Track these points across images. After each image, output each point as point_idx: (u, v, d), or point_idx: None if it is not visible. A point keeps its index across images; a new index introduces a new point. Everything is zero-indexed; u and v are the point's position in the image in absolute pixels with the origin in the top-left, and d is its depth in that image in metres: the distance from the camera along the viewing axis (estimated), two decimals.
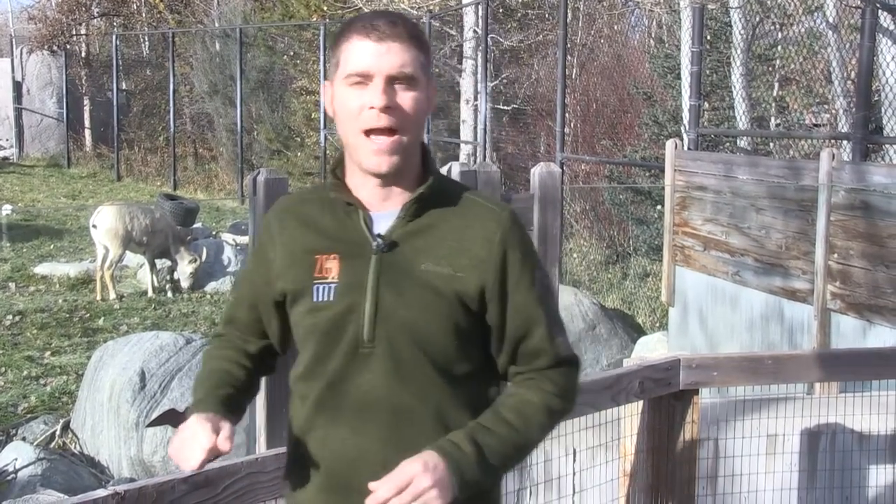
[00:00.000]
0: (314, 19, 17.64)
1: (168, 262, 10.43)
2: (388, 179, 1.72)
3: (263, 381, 3.75)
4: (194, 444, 1.62)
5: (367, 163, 1.69)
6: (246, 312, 1.87)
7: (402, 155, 1.69)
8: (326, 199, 1.78)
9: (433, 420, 1.71)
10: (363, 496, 1.60)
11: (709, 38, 10.08)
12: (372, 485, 1.58)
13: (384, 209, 1.74)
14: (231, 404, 1.76)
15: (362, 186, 1.74)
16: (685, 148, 7.73)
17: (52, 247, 12.25)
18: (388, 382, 1.70)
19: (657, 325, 9.23)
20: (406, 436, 1.69)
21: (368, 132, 1.68)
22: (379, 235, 1.72)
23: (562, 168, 9.61)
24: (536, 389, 1.75)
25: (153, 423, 4.70)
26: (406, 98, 1.67)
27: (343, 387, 1.72)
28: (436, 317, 1.71)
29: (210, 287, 10.32)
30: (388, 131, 1.67)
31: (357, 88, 1.67)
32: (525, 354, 1.76)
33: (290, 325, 1.81)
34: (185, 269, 10.13)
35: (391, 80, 1.65)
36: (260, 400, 3.65)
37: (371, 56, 1.65)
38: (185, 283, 10.18)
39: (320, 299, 1.72)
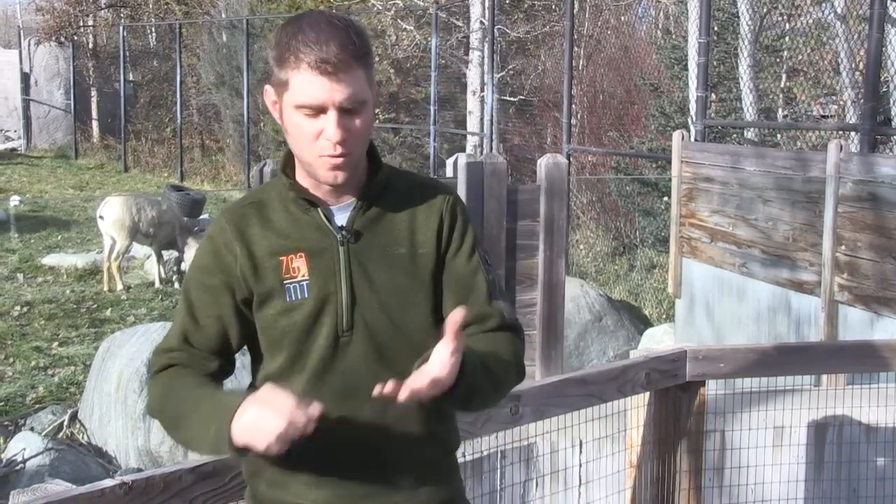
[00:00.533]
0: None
1: (175, 253, 10.45)
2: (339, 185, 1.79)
3: None
4: (272, 412, 1.57)
5: (323, 177, 1.75)
6: (207, 325, 1.81)
7: (354, 168, 1.76)
8: (278, 200, 1.81)
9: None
10: (358, 479, 1.75)
11: (716, 28, 10.05)
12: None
13: (339, 202, 1.80)
14: None
15: (316, 186, 1.79)
16: (692, 139, 7.71)
17: (59, 238, 12.28)
18: (369, 365, 1.77)
19: (664, 316, 9.22)
20: (390, 415, 1.76)
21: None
22: (342, 227, 1.78)
23: (568, 159, 9.60)
24: (501, 338, 1.82)
25: None
26: (357, 123, 1.72)
27: (326, 377, 1.77)
28: (408, 295, 1.79)
29: None
30: (343, 154, 1.72)
31: (310, 118, 1.70)
32: (472, 320, 1.81)
33: (258, 329, 1.81)
34: (190, 257, 10.17)
35: (343, 110, 1.69)
36: None
37: (324, 92, 1.67)
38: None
39: (294, 298, 1.76)
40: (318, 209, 1.78)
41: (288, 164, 1.82)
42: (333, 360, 1.76)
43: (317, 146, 1.71)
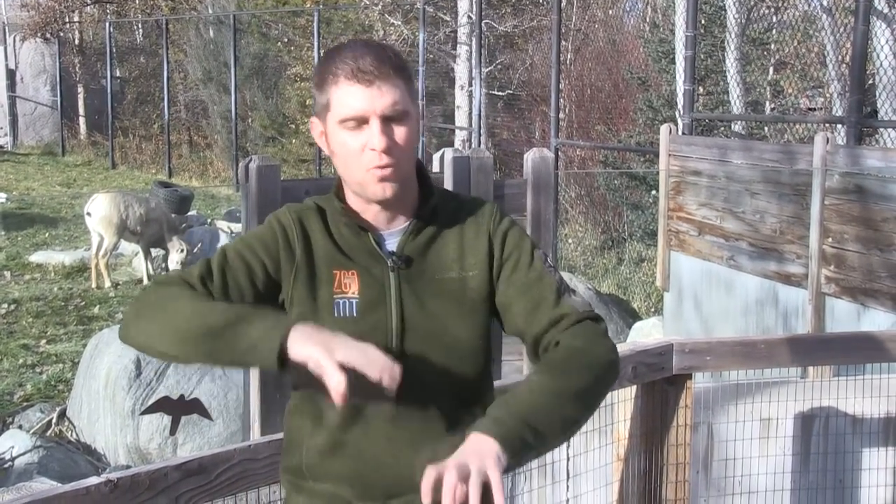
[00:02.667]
0: (308, 5, 17.58)
1: (163, 251, 10.43)
2: (389, 203, 1.77)
3: (257, 368, 3.76)
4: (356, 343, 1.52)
5: (372, 191, 1.73)
6: (228, 286, 1.74)
7: (401, 181, 1.74)
8: (332, 218, 1.80)
9: (456, 418, 1.76)
10: (400, 500, 1.72)
11: (703, 22, 10.06)
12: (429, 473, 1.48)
13: (389, 228, 1.79)
14: None
15: (366, 210, 1.79)
16: (680, 133, 7.73)
17: (47, 235, 12.23)
18: (417, 390, 1.73)
19: (652, 310, 9.24)
20: (436, 438, 1.73)
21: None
22: (392, 253, 1.77)
23: (556, 154, 9.61)
24: (570, 340, 1.71)
25: (148, 411, 4.69)
26: (401, 133, 1.71)
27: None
28: (459, 321, 1.76)
29: None
30: (389, 165, 1.72)
31: (354, 131, 1.71)
32: (547, 323, 1.75)
33: None
34: (174, 258, 10.12)
35: (386, 119, 1.70)
36: (254, 387, 3.66)
37: (364, 100, 1.68)
38: (174, 256, 10.18)
39: (341, 314, 1.74)
40: (369, 234, 1.77)
41: (340, 188, 1.81)
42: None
43: (363, 160, 1.71)
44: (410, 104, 1.73)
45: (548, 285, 1.77)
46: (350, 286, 1.75)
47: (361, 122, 1.69)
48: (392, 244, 1.78)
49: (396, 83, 1.70)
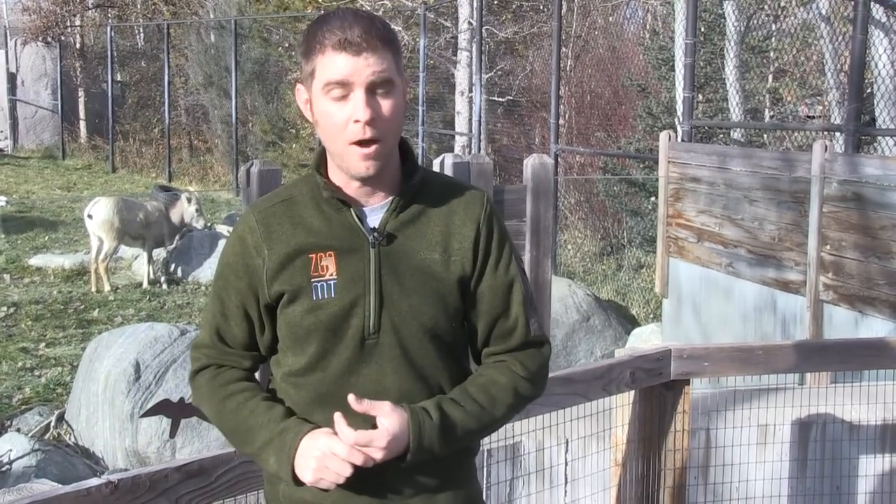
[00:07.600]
0: (309, 10, 17.60)
1: (164, 254, 10.44)
2: (371, 180, 1.77)
3: None
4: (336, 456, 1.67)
5: (354, 169, 1.74)
6: (237, 325, 1.83)
7: (385, 159, 1.75)
8: (310, 197, 1.80)
9: (430, 396, 1.78)
10: (377, 481, 1.74)
11: (703, 29, 10.09)
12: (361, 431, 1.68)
13: (370, 204, 1.79)
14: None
15: (347, 184, 1.78)
16: (679, 140, 7.74)
17: (46, 238, 12.24)
18: (395, 369, 1.76)
19: (651, 316, 9.25)
20: None
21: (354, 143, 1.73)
22: (374, 229, 1.77)
23: (556, 160, 9.63)
24: (505, 370, 1.83)
25: (147, 414, 4.70)
26: (386, 105, 1.71)
27: (351, 379, 1.76)
28: (438, 301, 1.78)
29: (204, 277, 10.33)
30: (373, 140, 1.71)
31: (338, 102, 1.71)
32: (499, 335, 1.84)
33: (282, 326, 1.80)
34: (190, 211, 10.24)
35: (371, 89, 1.70)
36: None
37: (349, 68, 1.68)
38: (198, 224, 10.36)
39: (320, 297, 1.75)
40: (351, 209, 1.76)
41: (321, 162, 1.81)
42: (359, 362, 1.76)
43: (346, 133, 1.70)
44: (397, 75, 1.73)
45: (517, 295, 1.83)
46: (328, 268, 1.75)
47: (345, 87, 1.69)
48: (374, 220, 1.78)
49: (384, 55, 1.69)
